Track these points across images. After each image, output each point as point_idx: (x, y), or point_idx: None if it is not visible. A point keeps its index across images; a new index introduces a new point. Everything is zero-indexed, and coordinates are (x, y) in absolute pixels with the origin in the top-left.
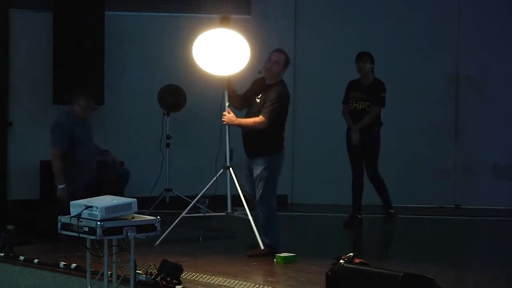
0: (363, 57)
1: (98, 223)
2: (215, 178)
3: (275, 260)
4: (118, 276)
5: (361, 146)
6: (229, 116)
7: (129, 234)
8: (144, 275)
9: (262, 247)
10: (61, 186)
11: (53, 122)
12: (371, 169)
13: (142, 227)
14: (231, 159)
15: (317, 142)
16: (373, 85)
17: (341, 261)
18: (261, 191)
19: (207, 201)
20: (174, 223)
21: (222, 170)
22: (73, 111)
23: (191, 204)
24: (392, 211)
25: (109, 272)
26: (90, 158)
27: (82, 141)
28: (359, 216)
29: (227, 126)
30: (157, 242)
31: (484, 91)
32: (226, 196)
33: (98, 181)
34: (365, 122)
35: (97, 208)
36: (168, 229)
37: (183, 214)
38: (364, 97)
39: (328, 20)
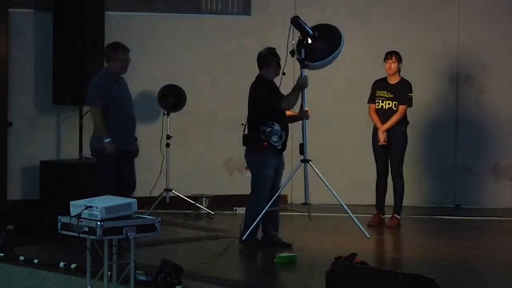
0: (392, 56)
1: (98, 223)
2: (294, 171)
3: (275, 260)
4: (118, 276)
5: (386, 145)
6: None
7: (129, 234)
8: (144, 275)
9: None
10: (108, 140)
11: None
12: (395, 169)
13: (142, 227)
14: (301, 153)
15: (317, 142)
16: (400, 85)
17: (341, 261)
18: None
19: (207, 201)
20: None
21: (300, 163)
22: (109, 68)
23: (277, 193)
24: (398, 217)
25: (109, 272)
26: (127, 121)
27: (118, 100)
28: (382, 216)
29: (306, 122)
30: (245, 237)
31: (484, 91)
32: (226, 196)
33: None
34: (391, 122)
35: (97, 208)
36: (256, 221)
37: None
38: (391, 96)
39: (328, 20)
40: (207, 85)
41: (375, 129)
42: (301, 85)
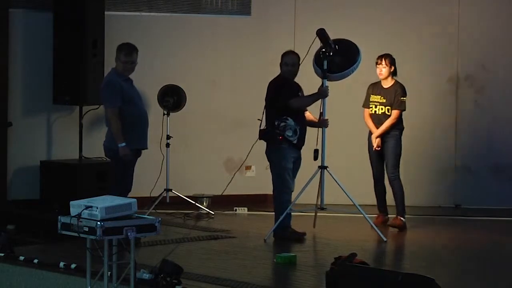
0: (383, 61)
1: (98, 223)
2: (311, 178)
3: (275, 260)
4: (118, 276)
5: (381, 150)
6: None
7: (129, 234)
8: (148, 273)
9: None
10: (122, 145)
11: (102, 84)
12: (391, 173)
13: (142, 227)
14: (315, 159)
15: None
16: (393, 89)
17: (341, 261)
18: None
19: (207, 201)
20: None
21: (319, 169)
22: (116, 69)
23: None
24: (403, 219)
25: (109, 272)
26: (143, 119)
27: (132, 100)
28: (386, 216)
29: (325, 130)
30: (266, 237)
31: (484, 91)
32: (226, 196)
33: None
34: (384, 128)
35: (97, 208)
36: (277, 222)
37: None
38: (384, 101)
39: (328, 21)
40: (207, 85)
41: (370, 134)
42: (321, 94)
